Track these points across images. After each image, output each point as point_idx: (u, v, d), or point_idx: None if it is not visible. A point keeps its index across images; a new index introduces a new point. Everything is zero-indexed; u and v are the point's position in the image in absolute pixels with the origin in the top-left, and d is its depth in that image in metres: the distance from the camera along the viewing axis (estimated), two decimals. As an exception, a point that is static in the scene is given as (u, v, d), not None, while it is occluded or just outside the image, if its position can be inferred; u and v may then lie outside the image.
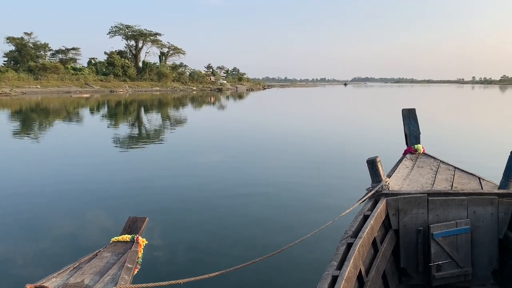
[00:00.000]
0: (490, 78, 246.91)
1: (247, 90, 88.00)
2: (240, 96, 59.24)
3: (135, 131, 18.45)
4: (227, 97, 55.68)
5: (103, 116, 25.86)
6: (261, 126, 19.63)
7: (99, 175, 9.13)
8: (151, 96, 54.84)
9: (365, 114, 28.48)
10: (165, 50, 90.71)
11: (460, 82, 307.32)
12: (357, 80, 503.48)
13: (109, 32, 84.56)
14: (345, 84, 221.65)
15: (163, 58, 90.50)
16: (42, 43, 76.50)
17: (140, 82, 76.64)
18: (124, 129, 19.30)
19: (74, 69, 72.04)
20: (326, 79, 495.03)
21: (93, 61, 77.95)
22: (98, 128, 19.39)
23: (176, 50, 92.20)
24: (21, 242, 5.29)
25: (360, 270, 2.60)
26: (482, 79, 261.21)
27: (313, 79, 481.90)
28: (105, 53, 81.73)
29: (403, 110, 5.14)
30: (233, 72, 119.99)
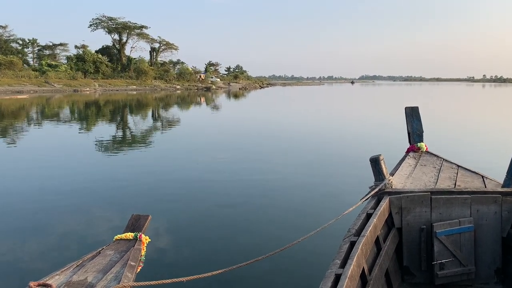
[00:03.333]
0: (502, 76, 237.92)
1: (240, 89, 79.72)
2: (231, 96, 54.83)
3: (136, 131, 18.48)
4: (212, 97, 50.94)
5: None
6: (263, 126, 19.62)
7: (102, 174, 9.16)
8: (124, 96, 48.09)
9: (368, 112, 28.43)
10: (156, 45, 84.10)
11: (471, 80, 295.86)
12: (364, 78, 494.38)
13: (90, 25, 75.60)
14: (352, 83, 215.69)
15: (154, 54, 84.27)
16: (30, 38, 73.76)
17: (114, 80, 66.80)
18: (124, 129, 19.34)
19: (50, 65, 64.10)
20: (333, 77, 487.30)
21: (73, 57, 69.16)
22: (101, 128, 19.44)
23: (168, 46, 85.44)
24: (25, 240, 5.31)
25: (363, 269, 2.59)
26: (494, 77, 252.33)
27: (320, 77, 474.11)
28: (76, 46, 73.37)
29: (406, 108, 5.13)
30: (236, 70, 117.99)
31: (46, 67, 62.51)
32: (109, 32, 76.76)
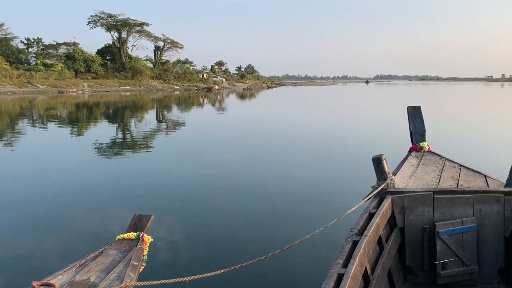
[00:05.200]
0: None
1: (244, 89, 74.55)
2: (231, 97, 52.32)
3: (140, 132, 18.50)
4: (213, 98, 47.82)
5: None
6: (265, 125, 19.62)
7: (104, 174, 9.17)
8: (115, 98, 44.18)
9: (373, 112, 28.39)
10: (160, 43, 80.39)
11: (489, 79, 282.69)
12: (379, 78, 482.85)
13: (89, 22, 71.04)
14: (367, 82, 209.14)
15: (158, 52, 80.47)
16: (35, 38, 71.20)
17: (106, 80, 61.54)
18: (130, 130, 19.38)
19: (45, 64, 59.65)
20: (348, 77, 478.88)
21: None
22: (100, 130, 19.49)
23: (173, 44, 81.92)
24: (28, 240, 5.32)
25: (366, 268, 2.59)
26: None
27: (334, 76, 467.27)
28: (67, 44, 69.94)
29: (408, 107, 5.12)
30: (247, 69, 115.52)
31: (40, 66, 58.24)
32: (108, 29, 72.43)
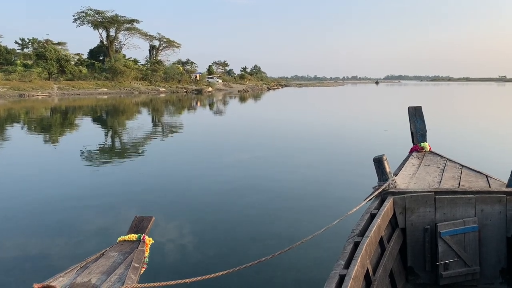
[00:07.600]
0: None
1: (239, 91, 68.60)
2: (222, 100, 48.58)
3: (141, 133, 18.50)
4: (202, 101, 43.49)
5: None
6: (265, 125, 19.61)
7: (105, 176, 9.18)
8: (88, 102, 38.75)
9: (374, 114, 28.37)
10: (156, 42, 76.89)
11: (502, 79, 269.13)
12: (390, 78, 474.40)
13: (75, 20, 65.10)
14: (377, 83, 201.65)
15: (154, 52, 77.14)
16: (30, 38, 67.54)
17: (80, 82, 54.28)
18: (130, 131, 19.40)
19: (25, 65, 54.19)
20: (358, 77, 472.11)
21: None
22: (99, 131, 19.51)
23: (169, 43, 78.49)
24: (28, 242, 5.33)
25: (368, 269, 2.59)
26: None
27: (343, 77, 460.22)
28: (39, 42, 63.98)
29: (409, 108, 5.11)
30: (253, 70, 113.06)
31: (20, 67, 52.75)
32: (95, 27, 66.64)
